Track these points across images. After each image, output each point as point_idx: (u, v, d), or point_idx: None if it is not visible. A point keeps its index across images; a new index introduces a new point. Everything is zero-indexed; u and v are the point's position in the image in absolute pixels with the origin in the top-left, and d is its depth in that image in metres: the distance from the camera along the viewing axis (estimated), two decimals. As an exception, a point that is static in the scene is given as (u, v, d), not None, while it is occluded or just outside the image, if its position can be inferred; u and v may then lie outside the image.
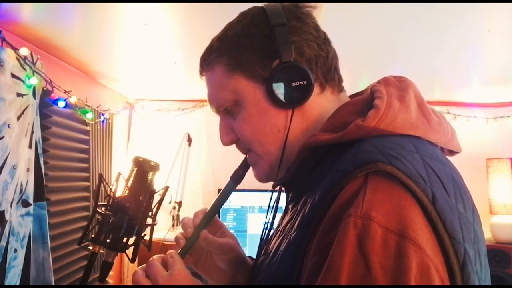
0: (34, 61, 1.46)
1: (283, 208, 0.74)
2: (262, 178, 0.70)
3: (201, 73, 0.70)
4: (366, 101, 0.59)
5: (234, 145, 0.75)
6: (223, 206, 2.72)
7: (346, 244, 0.43)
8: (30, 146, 1.43)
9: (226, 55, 0.63)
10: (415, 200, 0.45)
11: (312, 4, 0.67)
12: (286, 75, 0.60)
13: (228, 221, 2.39)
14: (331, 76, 0.64)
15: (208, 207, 0.79)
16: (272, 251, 0.62)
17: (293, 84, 0.60)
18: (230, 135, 0.69)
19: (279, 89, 0.60)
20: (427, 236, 0.43)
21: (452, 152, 0.65)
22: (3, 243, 1.28)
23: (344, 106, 0.62)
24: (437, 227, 0.44)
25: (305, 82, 0.60)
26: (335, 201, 0.47)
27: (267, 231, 0.73)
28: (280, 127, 0.63)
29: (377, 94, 0.58)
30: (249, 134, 0.65)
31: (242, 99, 0.63)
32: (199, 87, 2.46)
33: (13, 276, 1.33)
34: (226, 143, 0.71)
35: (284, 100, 0.61)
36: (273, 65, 0.61)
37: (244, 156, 0.73)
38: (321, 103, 0.64)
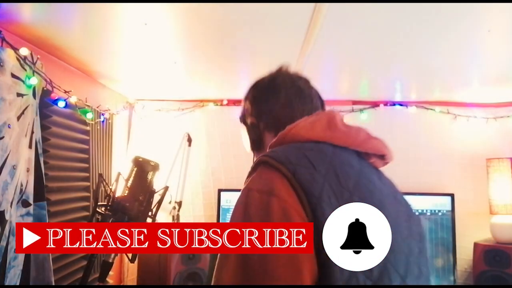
0: (34, 61, 1.46)
1: None
2: None
3: None
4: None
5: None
6: (222, 206, 2.71)
7: (239, 204, 0.71)
8: (30, 146, 1.43)
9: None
10: (280, 174, 0.70)
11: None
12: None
13: (227, 221, 2.38)
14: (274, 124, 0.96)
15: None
16: None
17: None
18: None
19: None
20: (287, 192, 0.67)
21: (382, 157, 0.84)
22: (3, 243, 1.28)
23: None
24: (295, 187, 0.68)
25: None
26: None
27: None
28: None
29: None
30: None
31: None
32: (199, 87, 2.47)
33: (13, 276, 1.34)
34: None
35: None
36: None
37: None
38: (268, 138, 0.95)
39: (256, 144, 0.94)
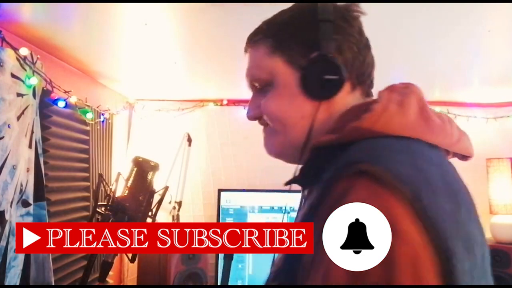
0: (34, 61, 1.46)
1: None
2: (269, 150, 0.74)
3: (245, 50, 0.77)
4: (366, 105, 0.61)
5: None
6: (222, 206, 2.71)
7: None
8: (30, 146, 1.43)
9: (271, 38, 0.69)
10: (399, 198, 0.46)
11: (362, 9, 0.73)
12: (322, 67, 0.63)
13: (227, 221, 2.39)
14: (363, 80, 0.69)
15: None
16: None
17: (326, 77, 0.63)
18: (255, 111, 0.73)
19: (312, 79, 0.64)
20: (416, 230, 0.45)
21: (464, 157, 0.68)
22: (3, 243, 1.28)
23: (348, 110, 0.65)
24: (424, 221, 0.45)
25: (337, 77, 0.63)
26: (325, 201, 0.50)
27: None
28: (304, 114, 0.66)
29: (377, 99, 0.61)
30: (273, 111, 0.68)
31: (276, 80, 0.68)
32: (199, 87, 2.47)
33: (13, 276, 1.34)
34: (250, 117, 0.75)
35: (314, 90, 0.64)
36: (311, 56, 0.65)
37: None
38: (349, 102, 0.66)
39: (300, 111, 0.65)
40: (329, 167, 0.55)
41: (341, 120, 0.63)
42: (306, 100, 0.65)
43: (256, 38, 0.72)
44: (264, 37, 0.70)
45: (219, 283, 2.31)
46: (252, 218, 2.39)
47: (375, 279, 0.43)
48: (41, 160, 1.50)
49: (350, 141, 0.56)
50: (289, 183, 0.72)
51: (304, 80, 0.64)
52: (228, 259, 0.99)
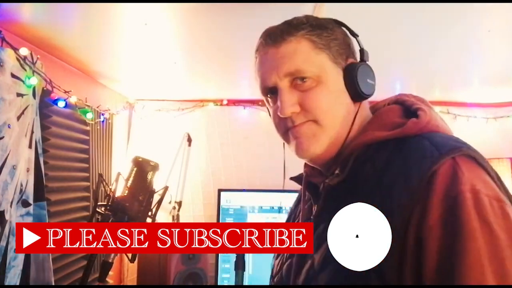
0: (34, 61, 1.46)
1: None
2: (312, 149, 0.72)
3: (274, 40, 0.73)
4: (402, 108, 0.71)
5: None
6: (222, 206, 2.71)
7: (469, 214, 0.52)
8: (30, 146, 1.43)
9: (317, 36, 0.72)
10: (487, 174, 0.57)
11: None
12: (363, 72, 0.73)
13: (227, 221, 2.38)
14: None
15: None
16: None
17: (368, 80, 0.74)
18: (295, 106, 0.72)
19: (359, 80, 0.72)
20: (507, 200, 0.55)
21: None
22: (3, 243, 1.28)
23: (386, 111, 0.73)
24: (505, 195, 0.56)
25: (374, 83, 0.75)
26: (435, 183, 0.54)
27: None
28: (349, 110, 0.72)
29: (411, 103, 0.70)
30: (327, 105, 0.71)
31: (326, 76, 0.71)
32: (199, 87, 2.47)
33: (13, 276, 1.34)
34: (287, 114, 0.72)
35: (359, 90, 0.72)
36: (348, 62, 0.74)
37: None
38: (367, 107, 0.78)
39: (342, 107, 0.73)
40: (386, 159, 0.61)
41: (388, 118, 0.70)
42: (348, 98, 0.73)
43: (299, 33, 0.72)
44: (308, 33, 0.71)
45: (219, 283, 2.32)
46: (252, 218, 2.39)
47: (506, 243, 0.50)
48: (41, 160, 1.50)
49: (406, 136, 0.63)
50: (334, 182, 0.69)
51: (352, 80, 0.72)
52: (241, 270, 0.91)
